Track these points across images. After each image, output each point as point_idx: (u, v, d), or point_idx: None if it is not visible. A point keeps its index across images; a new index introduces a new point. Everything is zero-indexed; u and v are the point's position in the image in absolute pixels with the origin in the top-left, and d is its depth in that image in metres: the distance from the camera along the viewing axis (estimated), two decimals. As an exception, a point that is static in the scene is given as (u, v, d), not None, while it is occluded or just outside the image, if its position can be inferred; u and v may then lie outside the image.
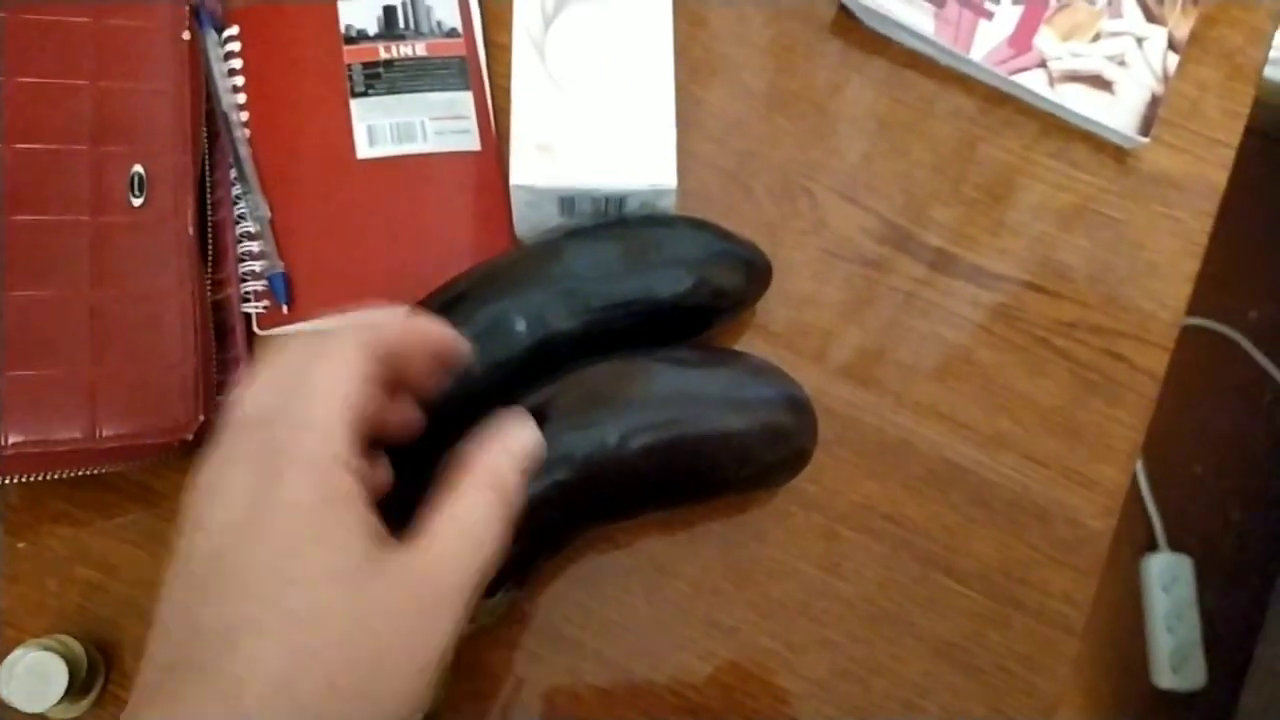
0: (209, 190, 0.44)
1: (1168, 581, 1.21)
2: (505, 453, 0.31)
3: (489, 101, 0.48)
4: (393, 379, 0.31)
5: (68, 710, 0.38)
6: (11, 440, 0.37)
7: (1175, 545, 1.22)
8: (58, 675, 0.37)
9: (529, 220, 0.44)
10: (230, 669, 0.25)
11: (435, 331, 0.33)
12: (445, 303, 0.40)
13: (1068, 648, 0.43)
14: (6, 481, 0.38)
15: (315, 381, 0.28)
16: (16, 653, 0.37)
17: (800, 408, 0.40)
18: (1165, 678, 1.16)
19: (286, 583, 0.25)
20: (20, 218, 0.39)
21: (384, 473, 0.33)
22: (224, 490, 0.27)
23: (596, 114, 0.42)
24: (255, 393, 0.29)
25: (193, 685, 0.25)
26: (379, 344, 0.30)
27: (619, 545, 0.42)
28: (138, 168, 0.41)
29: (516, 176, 0.41)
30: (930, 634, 0.42)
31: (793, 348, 0.46)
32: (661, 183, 0.42)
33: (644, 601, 0.42)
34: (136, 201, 0.41)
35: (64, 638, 0.38)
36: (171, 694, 0.25)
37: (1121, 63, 0.52)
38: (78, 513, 0.41)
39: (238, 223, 0.45)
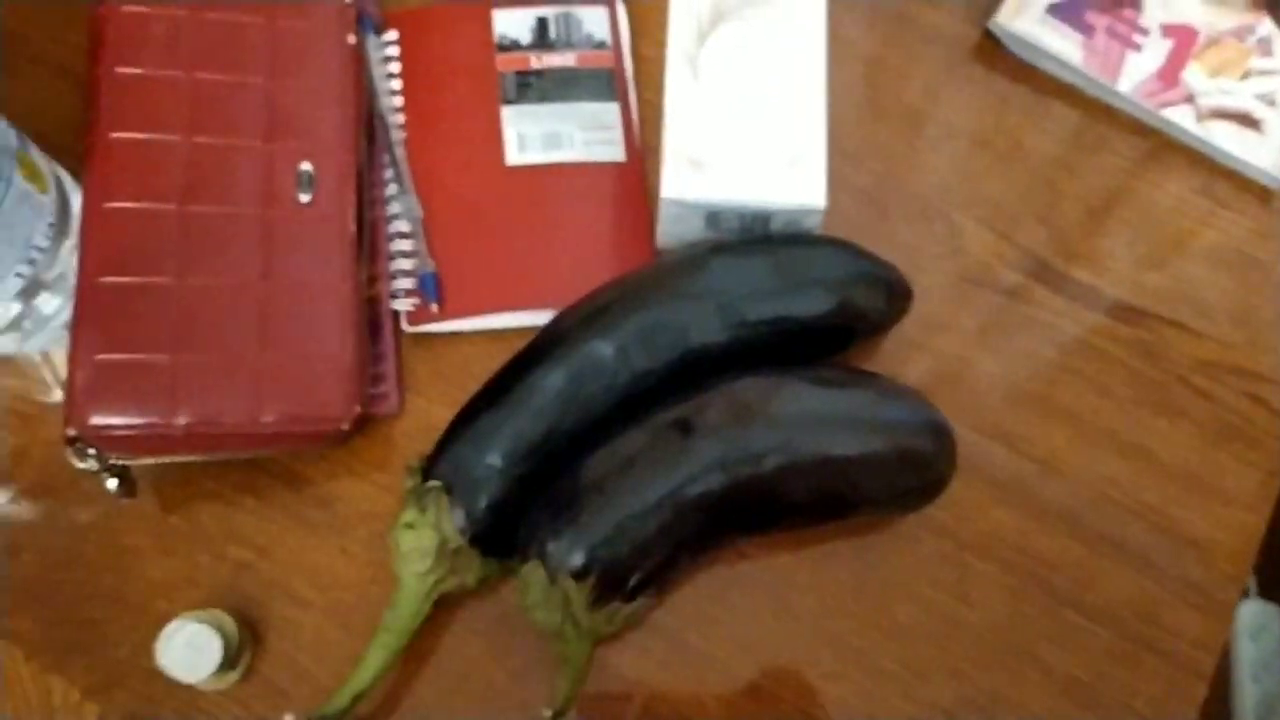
0: (367, 189, 0.46)
1: (1256, 630, 1.17)
2: None
3: (634, 113, 0.49)
4: None
5: (216, 682, 0.39)
6: (183, 421, 0.38)
7: (1266, 594, 1.19)
8: (213, 648, 0.38)
9: (673, 232, 0.45)
10: None
11: None
12: (597, 309, 0.41)
13: (1196, 692, 0.42)
14: (170, 461, 0.40)
15: None
16: (175, 624, 0.39)
17: (942, 434, 0.40)
18: (1249, 728, 1.13)
19: None
20: (197, 208, 0.41)
21: None
22: None
23: (748, 131, 0.43)
24: None
25: None
26: None
27: (749, 559, 0.43)
28: (306, 165, 0.43)
29: (668, 190, 0.42)
30: (1057, 669, 0.42)
31: (930, 374, 0.46)
32: (811, 203, 0.42)
33: (772, 617, 0.42)
34: (304, 198, 0.42)
35: (217, 612, 0.40)
36: None
37: (1271, 102, 0.51)
38: (230, 494, 0.43)
39: (389, 222, 0.46)
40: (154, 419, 0.38)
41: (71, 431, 0.37)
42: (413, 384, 0.45)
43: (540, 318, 0.45)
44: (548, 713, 0.40)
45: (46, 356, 0.45)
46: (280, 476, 0.43)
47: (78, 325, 0.39)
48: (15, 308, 0.41)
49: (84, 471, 0.41)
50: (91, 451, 0.38)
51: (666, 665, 0.41)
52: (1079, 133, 0.50)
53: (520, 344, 0.43)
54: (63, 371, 0.45)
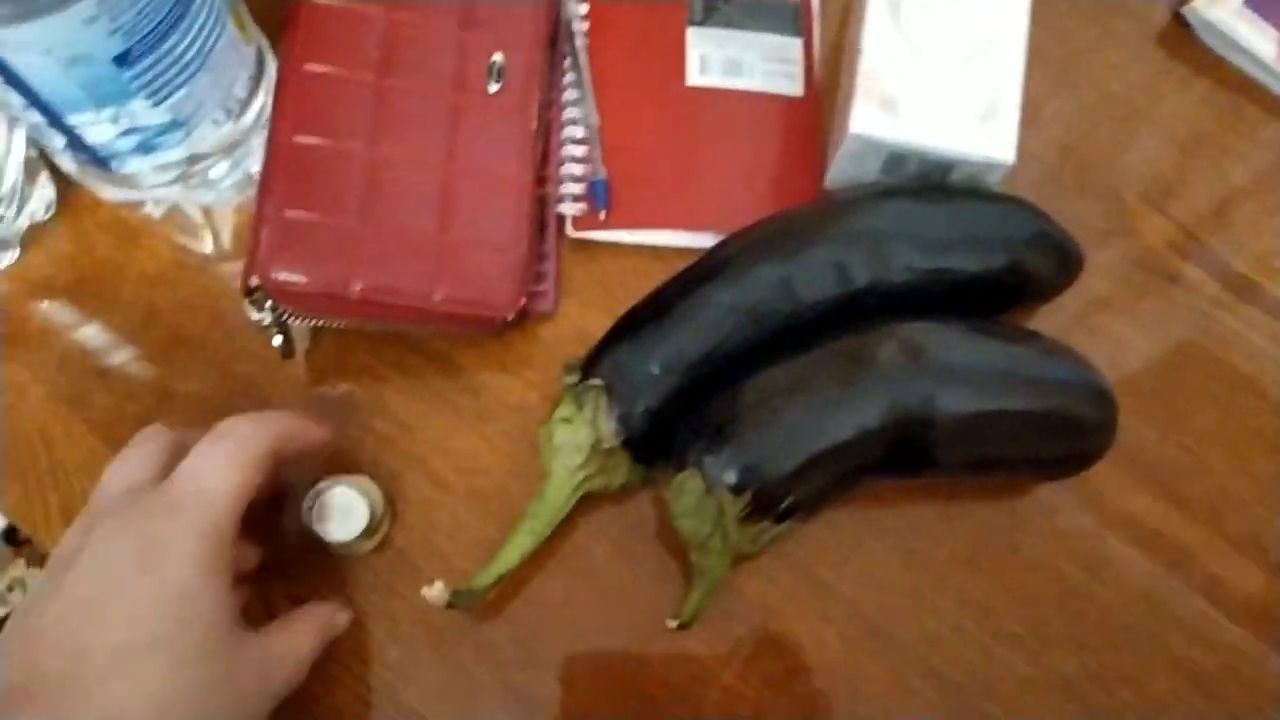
0: (547, 90, 0.46)
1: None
2: (336, 613, 0.38)
3: (816, 51, 0.48)
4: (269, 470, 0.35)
5: (356, 546, 0.40)
6: (359, 286, 0.39)
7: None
8: (360, 510, 0.39)
9: (846, 172, 0.45)
10: (115, 690, 0.29)
11: (311, 434, 0.37)
12: (772, 235, 0.41)
13: (1320, 700, 0.42)
14: (336, 326, 0.40)
15: (217, 465, 0.33)
16: (325, 483, 0.39)
17: (1107, 402, 0.40)
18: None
19: (175, 623, 0.31)
20: (392, 82, 0.41)
21: (251, 554, 0.38)
22: (124, 533, 0.32)
23: (944, 78, 0.42)
24: (139, 464, 0.35)
25: (77, 699, 0.29)
26: (270, 442, 0.35)
27: (885, 504, 0.43)
28: (498, 56, 0.43)
29: (856, 126, 0.42)
30: (1183, 657, 0.41)
31: (1080, 348, 0.45)
32: (1000, 157, 0.42)
33: (901, 564, 0.42)
34: (493, 88, 0.43)
35: (362, 479, 0.40)
36: (52, 702, 0.29)
37: None
38: (381, 369, 0.44)
39: (564, 127, 0.46)
40: (333, 279, 0.39)
41: (255, 281, 0.38)
42: (568, 288, 0.45)
43: (701, 241, 0.45)
44: (673, 623, 0.40)
45: (208, 214, 0.46)
46: (432, 359, 0.44)
47: (268, 180, 0.39)
48: (191, 162, 0.42)
49: (249, 327, 0.42)
50: (268, 305, 0.38)
51: (792, 597, 0.42)
52: (1257, 128, 0.49)
53: (678, 264, 0.43)
54: (222, 230, 0.46)
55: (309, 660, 0.36)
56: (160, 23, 0.34)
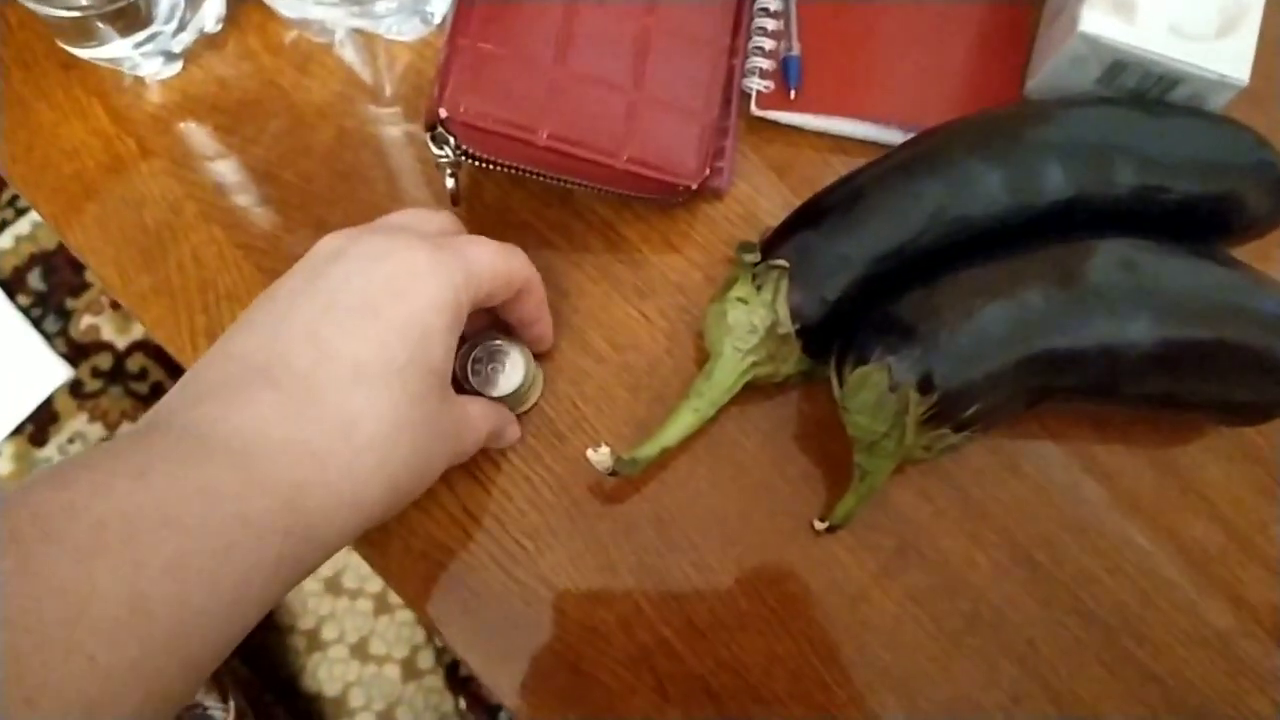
0: (745, -44, 0.43)
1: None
2: (510, 422, 0.39)
3: (1032, -50, 0.45)
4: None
5: (511, 403, 0.39)
6: (545, 132, 0.37)
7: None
8: (517, 370, 0.38)
9: (1059, 78, 0.42)
10: (352, 401, 0.30)
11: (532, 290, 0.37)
12: (978, 132, 0.38)
13: None
14: (510, 170, 0.39)
15: (484, 251, 0.34)
16: (483, 338, 0.38)
17: (1318, 351, 0.38)
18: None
19: (412, 355, 0.31)
20: (598, -78, 0.39)
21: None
22: (387, 255, 0.32)
23: (1186, -14, 0.39)
24: (428, 215, 0.36)
25: (317, 398, 0.30)
26: (514, 272, 0.35)
27: (1051, 434, 0.41)
28: (707, -90, 0.40)
29: (1087, 25, 0.39)
30: (1347, 627, 0.40)
31: (1275, 295, 0.43)
32: (1234, 75, 0.39)
33: (1061, 495, 0.40)
34: (700, -58, 0.40)
35: (516, 340, 0.39)
36: (295, 395, 0.29)
37: None
38: (545, 231, 0.42)
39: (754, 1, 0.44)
40: (520, 123, 0.37)
41: (443, 113, 0.36)
42: (741, 170, 0.43)
43: (888, 136, 0.43)
44: (821, 525, 0.39)
45: (376, 46, 0.44)
46: (595, 227, 0.42)
47: (464, 10, 0.37)
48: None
49: (416, 165, 0.41)
50: (451, 139, 0.37)
51: (945, 514, 0.40)
52: None
53: (860, 157, 0.41)
54: (394, 64, 0.44)
55: (482, 443, 0.37)
56: None
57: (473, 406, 0.36)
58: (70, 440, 1.07)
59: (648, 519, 0.39)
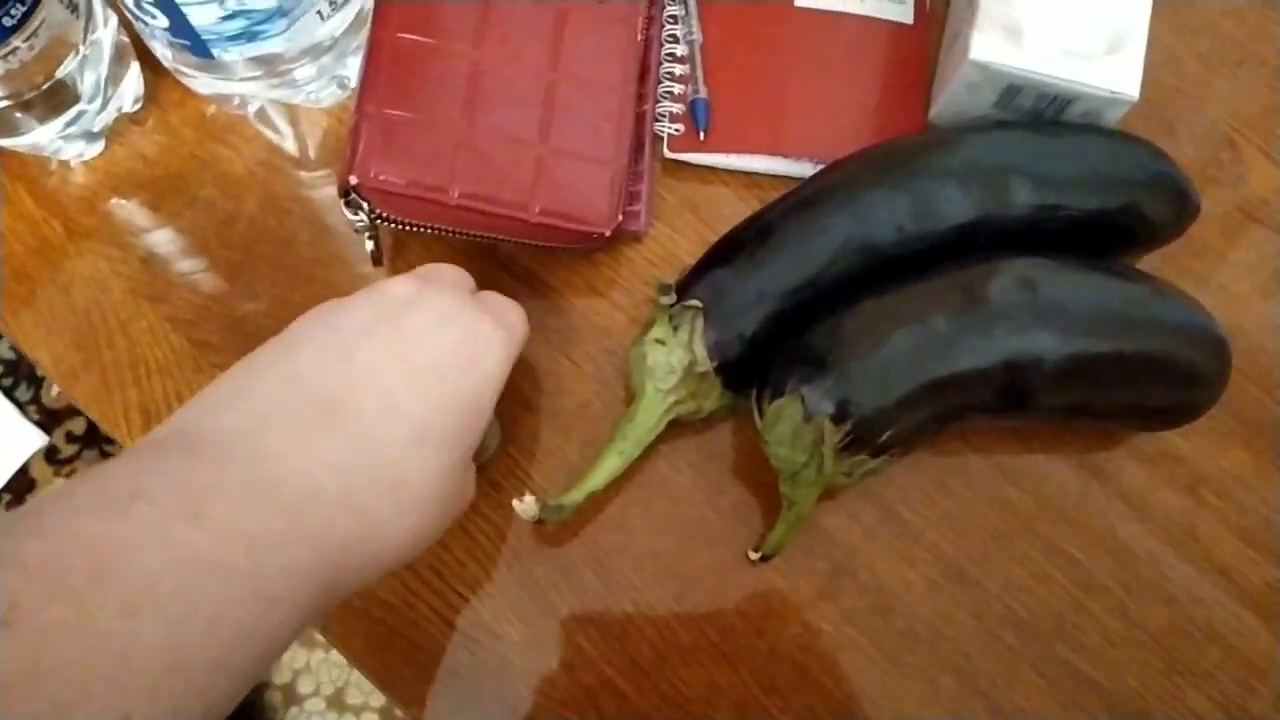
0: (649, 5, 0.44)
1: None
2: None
3: (928, -22, 0.47)
4: None
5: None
6: (457, 192, 0.38)
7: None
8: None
9: (957, 105, 0.43)
10: (406, 462, 0.30)
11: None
12: (881, 163, 0.39)
13: None
14: (425, 231, 0.39)
15: (517, 314, 0.36)
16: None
17: (1221, 351, 0.39)
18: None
19: (463, 425, 0.32)
20: (496, -16, 0.40)
21: None
22: (457, 319, 0.33)
23: (1071, 7, 0.41)
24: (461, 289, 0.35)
25: (377, 446, 0.30)
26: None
27: (974, 448, 0.42)
28: (605, -38, 0.42)
29: (977, 53, 0.40)
30: (1278, 618, 0.40)
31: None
32: (1123, 91, 0.40)
33: (989, 509, 0.41)
34: (600, -5, 0.41)
35: None
36: (356, 437, 0.30)
37: None
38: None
39: (665, 45, 0.45)
40: (432, 183, 0.37)
41: (353, 180, 0.37)
42: (659, 211, 0.44)
43: (799, 169, 0.44)
44: (755, 554, 0.40)
45: (296, 114, 0.45)
46: (521, 278, 0.43)
47: (370, 78, 0.38)
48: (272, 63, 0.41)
49: (335, 231, 0.41)
50: (364, 206, 0.38)
51: (875, 535, 0.41)
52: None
53: (772, 192, 0.42)
54: (312, 131, 0.45)
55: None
56: (273, -100, 0.33)
57: (468, 474, 0.36)
58: (46, 508, 1.07)
59: (585, 561, 0.40)
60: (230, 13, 0.36)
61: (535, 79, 0.40)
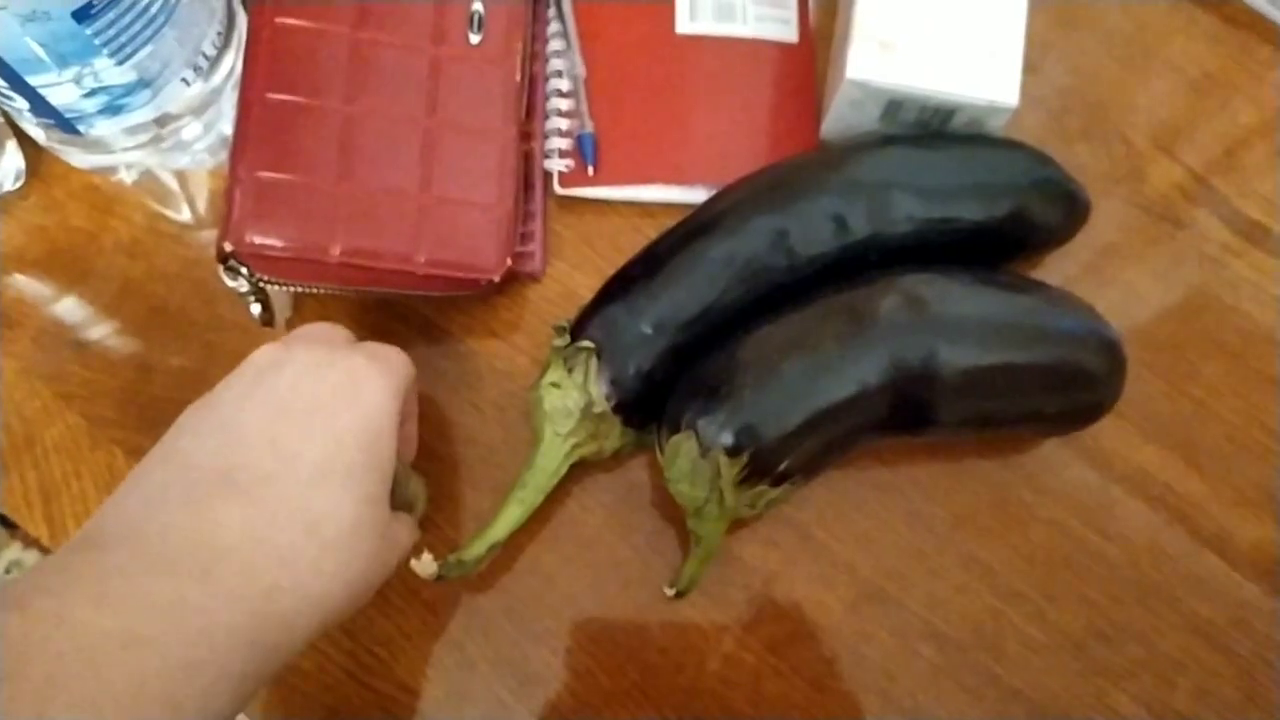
0: (529, 42, 0.44)
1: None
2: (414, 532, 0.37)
3: (810, -4, 0.47)
4: None
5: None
6: (338, 250, 0.37)
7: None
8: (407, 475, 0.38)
9: (844, 121, 0.43)
10: (316, 501, 0.30)
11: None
12: (766, 188, 0.39)
13: (1332, 655, 0.41)
14: (317, 291, 0.39)
15: (396, 355, 0.35)
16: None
17: (1115, 353, 0.39)
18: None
19: (366, 459, 0.32)
20: (369, 34, 0.39)
21: None
22: (329, 362, 0.33)
23: (945, 19, 0.41)
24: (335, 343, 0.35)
25: (283, 497, 0.30)
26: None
27: (886, 464, 0.42)
28: (478, 6, 0.41)
29: (854, 71, 0.40)
30: (1193, 612, 0.40)
31: (1089, 296, 0.44)
32: (1002, 100, 0.40)
33: (903, 524, 0.41)
34: (474, 39, 0.41)
35: None
36: (259, 496, 0.30)
37: None
38: (365, 336, 0.41)
39: (549, 80, 0.44)
40: (310, 243, 0.37)
41: (228, 247, 0.36)
42: (556, 249, 0.44)
43: (693, 196, 0.43)
44: (670, 590, 0.39)
45: (183, 178, 0.45)
46: (416, 325, 0.43)
47: (241, 141, 0.37)
48: (160, 124, 0.40)
49: (227, 295, 0.41)
50: (244, 271, 0.37)
51: (792, 560, 0.41)
52: (1270, 67, 0.47)
53: (669, 221, 0.42)
54: (198, 194, 0.45)
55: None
56: (119, -26, 0.33)
57: (396, 526, 0.35)
58: (8, 570, 1.05)
59: (501, 610, 0.40)
60: (89, 90, 0.35)
61: (412, 128, 0.39)
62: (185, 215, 0.44)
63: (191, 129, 0.42)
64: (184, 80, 0.38)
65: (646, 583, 0.40)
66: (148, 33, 0.35)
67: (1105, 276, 0.44)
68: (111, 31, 0.34)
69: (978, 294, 0.38)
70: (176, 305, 0.43)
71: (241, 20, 0.41)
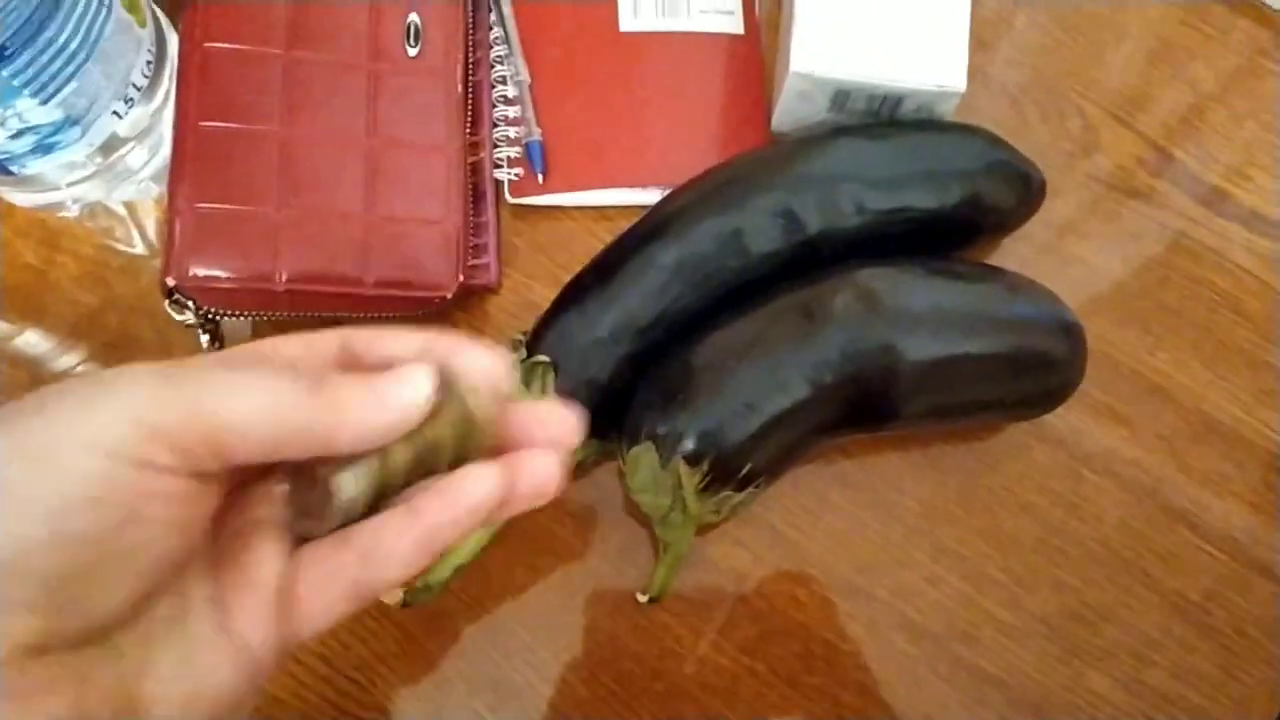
0: (471, 50, 0.43)
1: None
2: None
3: (755, -16, 0.46)
4: None
5: None
6: (284, 276, 0.37)
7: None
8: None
9: (793, 113, 0.42)
10: None
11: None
12: (716, 188, 0.39)
13: (1307, 621, 0.41)
14: (270, 318, 0.39)
15: None
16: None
17: (1074, 336, 0.38)
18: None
19: None
20: (303, 54, 0.39)
21: None
22: None
23: (890, 6, 0.40)
24: None
25: None
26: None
27: (852, 458, 0.41)
28: (414, 17, 0.41)
29: (797, 64, 0.40)
30: (1167, 588, 0.40)
31: (1048, 276, 0.43)
32: (950, 84, 0.39)
33: (872, 517, 0.41)
34: (412, 51, 0.40)
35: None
36: None
37: None
38: (323, 358, 0.42)
39: (494, 87, 0.44)
40: (255, 273, 0.37)
41: (171, 282, 0.36)
42: (511, 258, 0.43)
43: (648, 197, 0.43)
44: (643, 597, 0.39)
45: (131, 208, 0.44)
46: (374, 344, 0.42)
47: (177, 172, 0.37)
48: (103, 154, 0.39)
49: (180, 325, 0.40)
50: (190, 304, 0.37)
51: (763, 560, 0.40)
52: (1226, 30, 0.46)
53: (625, 223, 0.41)
54: (146, 223, 0.44)
55: None
56: (34, 12, 0.32)
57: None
58: None
59: (477, 627, 0.40)
60: (15, 132, 0.34)
61: (354, 148, 0.39)
62: (136, 245, 0.44)
63: (136, 155, 0.41)
64: (115, 114, 0.37)
65: (620, 590, 0.40)
66: (69, 70, 0.34)
67: (1066, 255, 0.44)
68: (30, 72, 0.33)
69: (932, 285, 0.37)
70: (133, 336, 0.42)
71: (173, 44, 0.41)
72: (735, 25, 0.45)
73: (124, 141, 0.40)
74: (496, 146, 0.43)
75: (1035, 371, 0.38)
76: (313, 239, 0.37)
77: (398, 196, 0.39)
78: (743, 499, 0.37)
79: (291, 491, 0.24)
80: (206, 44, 0.38)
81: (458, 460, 0.24)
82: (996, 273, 0.39)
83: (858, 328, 0.36)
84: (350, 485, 0.23)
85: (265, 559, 0.23)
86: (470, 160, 0.42)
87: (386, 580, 0.24)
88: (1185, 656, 0.40)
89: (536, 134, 0.43)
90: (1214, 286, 0.44)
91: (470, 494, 0.24)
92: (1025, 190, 0.41)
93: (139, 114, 0.39)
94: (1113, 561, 0.41)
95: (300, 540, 0.24)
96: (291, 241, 0.37)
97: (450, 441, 0.24)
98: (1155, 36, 0.47)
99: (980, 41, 0.45)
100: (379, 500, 0.23)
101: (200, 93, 0.38)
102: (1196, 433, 0.42)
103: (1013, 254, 0.43)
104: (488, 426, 0.24)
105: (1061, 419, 0.42)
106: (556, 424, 0.26)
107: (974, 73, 0.44)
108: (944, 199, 0.39)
